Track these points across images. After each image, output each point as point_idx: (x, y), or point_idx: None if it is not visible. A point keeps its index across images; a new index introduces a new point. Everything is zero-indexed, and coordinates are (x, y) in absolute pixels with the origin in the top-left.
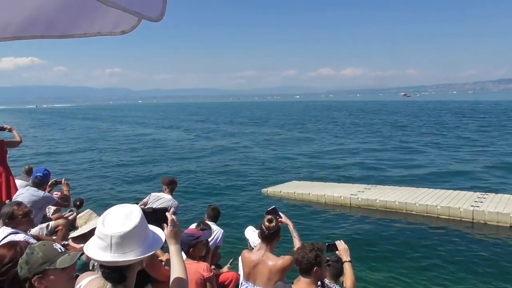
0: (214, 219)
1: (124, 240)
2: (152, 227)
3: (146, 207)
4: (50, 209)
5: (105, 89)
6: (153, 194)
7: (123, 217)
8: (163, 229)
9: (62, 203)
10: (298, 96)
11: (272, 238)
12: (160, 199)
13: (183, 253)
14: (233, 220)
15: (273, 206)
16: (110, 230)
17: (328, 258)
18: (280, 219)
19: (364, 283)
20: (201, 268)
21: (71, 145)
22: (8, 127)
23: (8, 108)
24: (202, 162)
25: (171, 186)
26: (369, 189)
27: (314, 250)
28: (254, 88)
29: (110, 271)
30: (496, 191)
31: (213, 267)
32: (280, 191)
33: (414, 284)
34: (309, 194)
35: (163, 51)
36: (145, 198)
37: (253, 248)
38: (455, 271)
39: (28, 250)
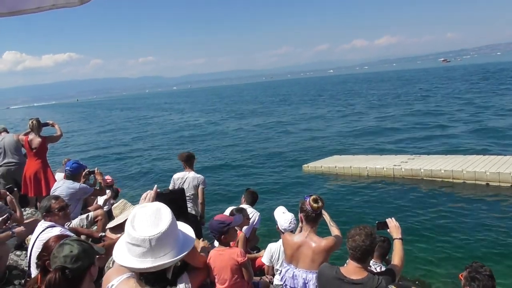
0: (252, 203)
1: (162, 241)
2: (178, 222)
3: (163, 190)
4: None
5: (139, 78)
6: (175, 176)
7: (153, 217)
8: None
9: (99, 193)
10: (331, 71)
11: (317, 219)
12: (185, 179)
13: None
14: (275, 197)
15: (311, 193)
16: (145, 234)
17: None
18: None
19: (412, 258)
20: (234, 254)
21: (109, 136)
22: (51, 122)
23: (50, 104)
24: (239, 143)
25: (189, 161)
26: (413, 159)
27: (369, 236)
28: (286, 65)
29: (155, 277)
30: None
31: (254, 252)
32: (321, 166)
33: (465, 258)
34: (350, 168)
35: (193, 37)
36: (170, 185)
37: (282, 231)
38: (508, 241)
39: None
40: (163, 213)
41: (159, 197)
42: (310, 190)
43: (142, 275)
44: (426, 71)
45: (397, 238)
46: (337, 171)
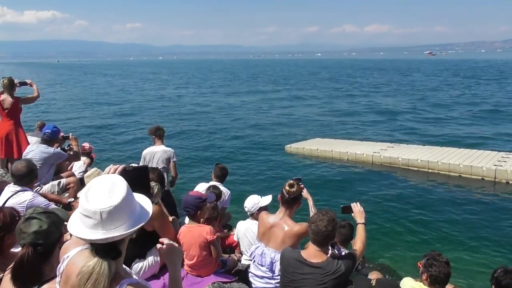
0: (221, 179)
1: (114, 215)
2: (136, 195)
3: (128, 166)
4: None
5: (125, 45)
6: (145, 152)
7: (107, 189)
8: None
9: (74, 158)
10: (319, 54)
11: (292, 203)
12: (155, 153)
13: (186, 217)
14: (257, 177)
15: (299, 177)
16: (96, 206)
17: None
18: (301, 188)
19: (378, 243)
20: (204, 231)
21: (88, 102)
22: (29, 82)
23: (28, 62)
24: (221, 121)
25: (158, 133)
26: (392, 147)
27: (331, 222)
28: (274, 44)
29: (106, 249)
30: None
31: (225, 230)
32: (304, 148)
33: (431, 244)
34: (331, 151)
35: (184, 6)
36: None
37: (251, 214)
38: (475, 230)
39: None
40: (117, 187)
41: (123, 174)
42: (291, 171)
43: (93, 246)
44: (411, 63)
45: (360, 223)
46: (319, 154)
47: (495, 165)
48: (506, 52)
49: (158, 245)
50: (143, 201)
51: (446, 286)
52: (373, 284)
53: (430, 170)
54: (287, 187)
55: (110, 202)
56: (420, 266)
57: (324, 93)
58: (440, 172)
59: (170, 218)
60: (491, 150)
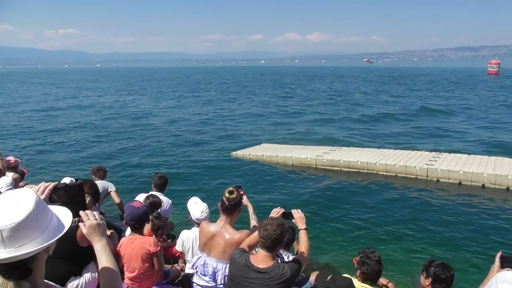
0: (161, 188)
1: (17, 232)
2: (55, 208)
3: (59, 183)
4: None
5: (58, 52)
6: None
7: (12, 205)
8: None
9: None
10: (263, 61)
11: (233, 210)
12: None
13: (128, 229)
14: (204, 185)
15: (239, 184)
16: None
17: None
18: (241, 195)
19: (318, 241)
20: (147, 243)
21: (18, 113)
22: None
23: None
24: (163, 130)
25: (98, 174)
26: (334, 150)
27: (280, 227)
28: (219, 52)
29: (9, 269)
30: (450, 151)
31: (169, 239)
32: (249, 154)
33: (368, 240)
34: (276, 156)
35: (125, 12)
36: None
37: (195, 221)
38: (409, 225)
39: None
40: (24, 202)
41: (54, 192)
42: (237, 177)
43: None
44: (352, 70)
45: (302, 229)
46: (264, 159)
47: (427, 164)
48: (436, 61)
49: (80, 224)
50: (62, 213)
51: (381, 280)
52: (328, 279)
53: (369, 171)
54: (226, 194)
55: (12, 219)
56: (355, 262)
57: (267, 98)
58: (379, 172)
59: (108, 232)
60: (424, 151)
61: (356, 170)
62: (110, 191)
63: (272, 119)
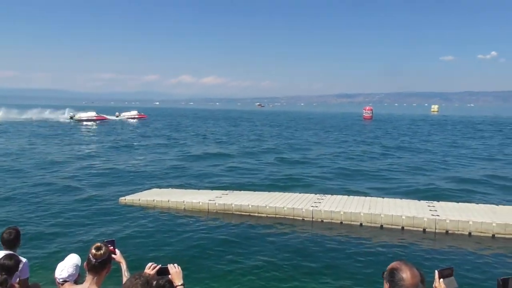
0: (12, 245)
1: None
2: None
3: None
4: None
5: None
6: None
7: None
8: None
9: None
10: (157, 103)
11: (100, 268)
12: None
13: None
14: (86, 233)
15: (112, 239)
16: None
17: None
18: (112, 250)
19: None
20: None
21: None
22: None
23: None
24: (40, 176)
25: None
26: (227, 194)
27: (145, 285)
28: (112, 91)
29: None
30: (332, 192)
31: None
32: (139, 199)
33: (258, 283)
34: (168, 201)
35: (3, 44)
36: None
37: (57, 282)
38: (296, 265)
39: None
40: None
41: None
42: (124, 226)
43: None
44: (245, 113)
45: (178, 285)
46: (155, 204)
47: (312, 206)
48: (320, 106)
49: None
50: None
51: None
52: None
53: (259, 214)
54: (93, 251)
55: None
56: None
57: (160, 142)
58: (269, 215)
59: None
60: (310, 193)
61: (248, 213)
62: None
63: (164, 162)
